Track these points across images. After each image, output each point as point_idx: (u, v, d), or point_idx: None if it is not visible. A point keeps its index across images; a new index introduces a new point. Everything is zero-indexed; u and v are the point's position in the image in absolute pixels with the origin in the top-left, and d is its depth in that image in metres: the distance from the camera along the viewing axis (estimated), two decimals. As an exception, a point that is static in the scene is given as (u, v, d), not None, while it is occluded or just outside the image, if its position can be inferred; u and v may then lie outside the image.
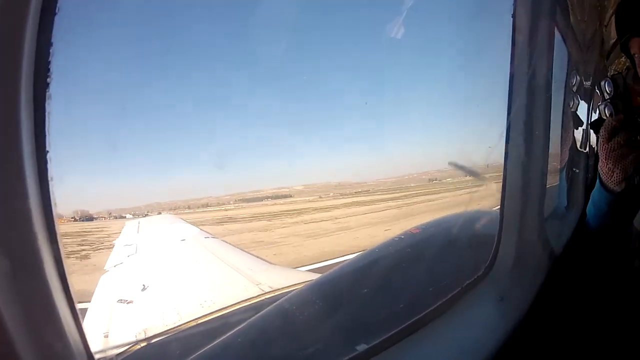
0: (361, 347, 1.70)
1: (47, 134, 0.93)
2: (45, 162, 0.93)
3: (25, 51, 0.84)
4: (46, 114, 0.93)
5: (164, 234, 10.35)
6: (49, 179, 0.94)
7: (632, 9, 2.08)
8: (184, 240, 9.03)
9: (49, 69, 0.92)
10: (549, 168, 2.34)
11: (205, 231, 10.82)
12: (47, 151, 0.94)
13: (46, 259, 0.90)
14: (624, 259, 1.98)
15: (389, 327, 1.79)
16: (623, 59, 3.37)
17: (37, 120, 0.90)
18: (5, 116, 0.83)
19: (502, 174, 2.21)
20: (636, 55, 2.02)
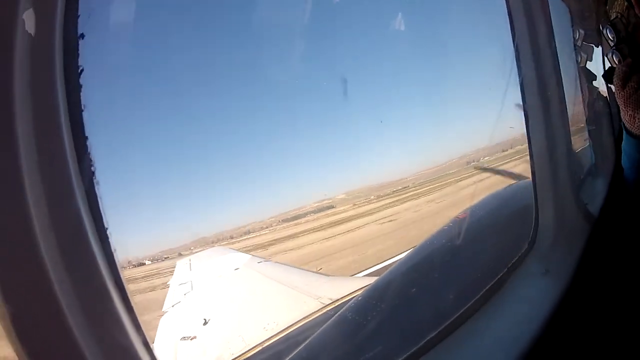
0: (426, 337, 1.74)
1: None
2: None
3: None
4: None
5: (217, 266, 10.35)
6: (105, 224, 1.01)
7: None
8: (237, 269, 9.02)
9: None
10: (572, 129, 2.33)
11: (257, 256, 10.82)
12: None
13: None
14: None
15: (446, 317, 1.83)
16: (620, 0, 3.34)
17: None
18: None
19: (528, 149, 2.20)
20: None
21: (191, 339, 5.90)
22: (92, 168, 1.00)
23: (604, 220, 2.41)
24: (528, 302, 1.92)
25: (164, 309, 7.84)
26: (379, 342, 2.24)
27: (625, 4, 2.28)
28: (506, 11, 2.16)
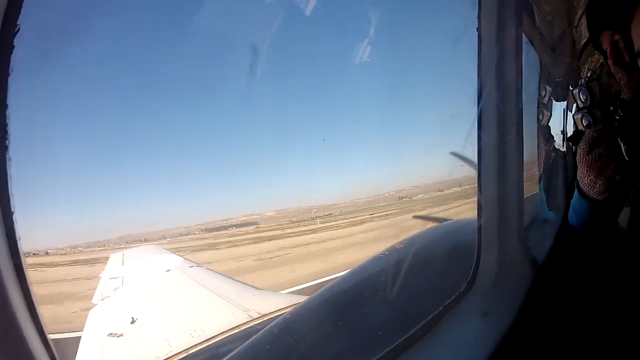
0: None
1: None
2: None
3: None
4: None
5: (149, 265, 10.36)
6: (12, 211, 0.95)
7: (602, 4, 2.07)
8: (169, 270, 9.05)
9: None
10: (525, 178, 2.32)
11: (190, 260, 10.83)
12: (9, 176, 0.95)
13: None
14: (612, 261, 1.94)
15: (374, 350, 1.76)
16: (596, 56, 3.38)
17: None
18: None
19: (476, 185, 2.18)
20: (607, 50, 2.00)
21: (118, 336, 5.87)
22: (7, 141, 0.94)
23: (548, 268, 2.42)
24: (464, 343, 1.88)
25: (93, 301, 7.84)
26: None
27: (600, 61, 2.28)
28: (476, 53, 2.13)
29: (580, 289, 2.25)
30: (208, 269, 10.08)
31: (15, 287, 0.92)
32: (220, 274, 9.57)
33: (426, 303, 2.12)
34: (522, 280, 2.21)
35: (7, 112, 0.92)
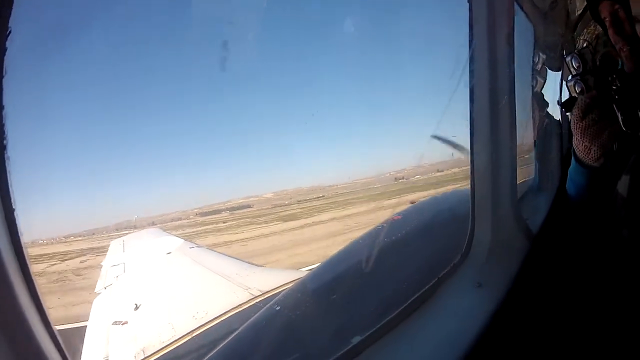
0: (349, 343, 1.68)
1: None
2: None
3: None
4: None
5: (150, 249, 10.34)
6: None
7: None
8: (169, 253, 9.03)
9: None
10: (519, 148, 2.31)
11: (190, 241, 10.83)
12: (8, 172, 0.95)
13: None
14: (611, 230, 1.94)
15: (372, 323, 1.77)
16: (592, 27, 3.35)
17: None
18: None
19: (469, 157, 2.18)
20: (607, 19, 1.99)
21: (122, 324, 5.88)
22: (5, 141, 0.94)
23: (543, 238, 2.42)
24: (458, 314, 1.88)
25: (96, 290, 7.84)
26: (304, 338, 2.25)
27: (596, 32, 2.26)
28: (467, 23, 2.12)
29: (575, 259, 2.25)
30: (208, 249, 10.09)
31: (20, 281, 0.93)
32: (221, 253, 9.58)
33: (422, 274, 2.14)
34: (515, 251, 2.22)
35: (4, 113, 0.93)
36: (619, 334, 1.85)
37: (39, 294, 0.97)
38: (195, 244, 10.38)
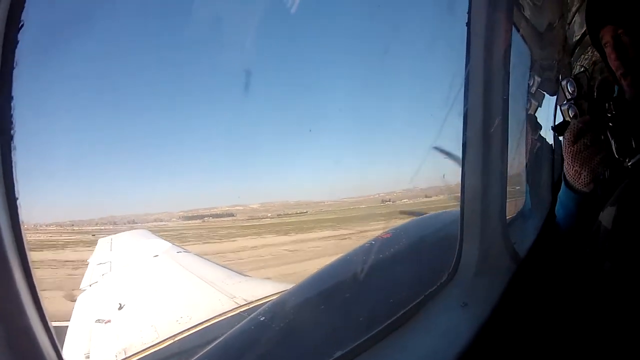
0: (334, 356, 1.68)
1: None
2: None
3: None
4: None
5: (137, 250, 10.35)
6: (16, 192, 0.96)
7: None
8: (157, 256, 9.04)
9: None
10: (511, 171, 2.33)
11: (178, 246, 10.86)
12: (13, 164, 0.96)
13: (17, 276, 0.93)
14: (593, 261, 1.95)
15: (356, 337, 1.78)
16: (590, 52, 3.38)
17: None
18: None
19: (460, 178, 2.19)
20: (608, 44, 2.01)
21: (105, 322, 5.91)
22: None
23: (530, 262, 2.44)
24: (443, 332, 1.89)
25: (81, 287, 7.88)
26: (288, 350, 2.22)
27: (593, 58, 2.27)
28: (465, 43, 2.14)
29: (559, 285, 2.27)
30: (196, 254, 10.10)
31: (21, 276, 0.94)
32: (208, 260, 9.60)
33: (408, 292, 2.14)
34: (502, 273, 2.23)
35: (13, 104, 0.94)
36: (600, 354, 1.86)
37: (38, 289, 0.98)
38: (183, 248, 10.40)
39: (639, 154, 1.81)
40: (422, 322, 1.92)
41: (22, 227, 0.96)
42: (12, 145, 0.94)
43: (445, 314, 2.00)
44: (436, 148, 2.41)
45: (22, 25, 0.93)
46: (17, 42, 0.92)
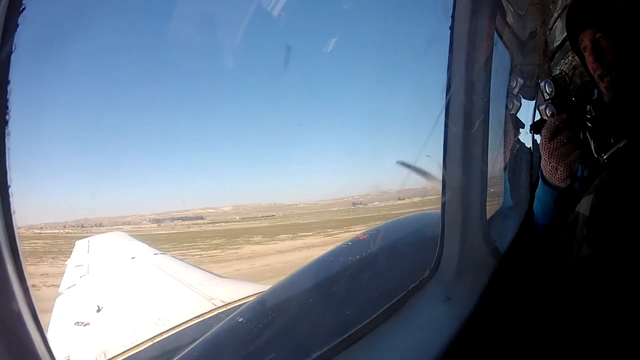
0: (315, 355, 1.69)
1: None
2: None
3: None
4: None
5: (114, 252, 10.31)
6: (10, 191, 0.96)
7: (583, 4, 2.13)
8: (134, 258, 9.02)
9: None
10: (491, 170, 2.36)
11: (154, 247, 10.80)
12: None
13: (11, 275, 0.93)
14: (571, 248, 1.99)
15: (338, 334, 1.80)
16: (569, 58, 3.44)
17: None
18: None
19: (440, 176, 2.22)
20: (586, 48, 2.06)
21: (84, 325, 5.88)
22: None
23: (510, 258, 2.47)
24: (427, 326, 1.93)
25: (60, 290, 7.83)
26: (267, 350, 2.20)
27: (573, 63, 2.32)
28: (448, 45, 2.17)
29: (539, 277, 2.30)
30: (173, 256, 10.07)
31: (16, 281, 0.94)
32: (185, 261, 9.59)
33: (390, 288, 2.16)
34: (483, 269, 2.27)
35: (9, 88, 0.93)
36: (582, 345, 1.90)
37: (31, 293, 0.98)
38: (160, 250, 10.35)
39: (613, 148, 1.87)
40: (406, 316, 1.95)
41: (13, 220, 0.96)
42: (6, 130, 0.94)
43: (428, 308, 2.04)
44: (402, 163, 2.44)
45: (24, 9, 0.92)
46: (17, 25, 0.92)
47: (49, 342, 1.03)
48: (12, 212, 0.96)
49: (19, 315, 0.93)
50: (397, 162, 2.44)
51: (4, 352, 0.88)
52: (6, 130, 0.94)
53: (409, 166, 2.42)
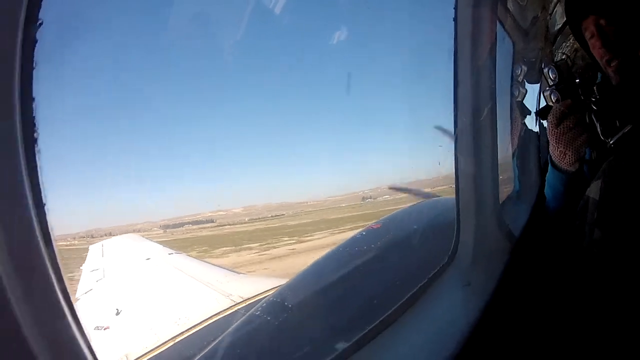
0: (338, 348, 1.71)
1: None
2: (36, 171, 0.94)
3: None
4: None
5: (129, 254, 10.27)
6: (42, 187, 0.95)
7: None
8: (149, 259, 8.99)
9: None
10: (501, 156, 2.40)
11: (168, 247, 10.76)
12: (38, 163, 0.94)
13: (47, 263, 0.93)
14: (583, 231, 2.02)
15: (362, 325, 1.82)
16: (571, 40, 3.46)
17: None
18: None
19: (453, 165, 2.26)
20: (591, 34, 2.06)
21: (104, 329, 5.87)
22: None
23: (524, 241, 2.52)
24: (450, 310, 1.97)
25: (77, 296, 7.76)
26: (288, 345, 2.26)
27: (575, 46, 2.34)
28: (453, 35, 2.20)
29: (553, 259, 2.34)
30: (187, 255, 10.04)
31: (54, 279, 0.94)
32: (200, 259, 9.55)
33: (410, 277, 2.20)
34: (499, 252, 2.31)
35: (34, 105, 0.93)
36: (600, 328, 1.93)
37: (70, 293, 0.98)
38: (174, 250, 10.31)
39: (619, 132, 1.91)
40: (427, 304, 1.99)
41: (51, 232, 0.96)
42: (36, 148, 0.93)
43: (449, 294, 2.09)
44: (439, 127, 2.47)
45: (41, 24, 0.92)
46: (36, 40, 0.92)
47: (89, 341, 1.07)
48: (50, 229, 0.96)
49: (60, 313, 0.95)
50: (435, 126, 2.48)
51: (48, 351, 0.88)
52: (36, 148, 0.93)
53: (443, 130, 2.45)
